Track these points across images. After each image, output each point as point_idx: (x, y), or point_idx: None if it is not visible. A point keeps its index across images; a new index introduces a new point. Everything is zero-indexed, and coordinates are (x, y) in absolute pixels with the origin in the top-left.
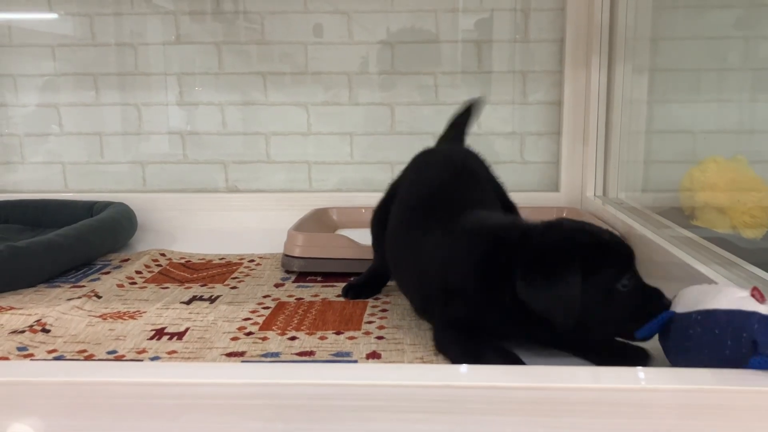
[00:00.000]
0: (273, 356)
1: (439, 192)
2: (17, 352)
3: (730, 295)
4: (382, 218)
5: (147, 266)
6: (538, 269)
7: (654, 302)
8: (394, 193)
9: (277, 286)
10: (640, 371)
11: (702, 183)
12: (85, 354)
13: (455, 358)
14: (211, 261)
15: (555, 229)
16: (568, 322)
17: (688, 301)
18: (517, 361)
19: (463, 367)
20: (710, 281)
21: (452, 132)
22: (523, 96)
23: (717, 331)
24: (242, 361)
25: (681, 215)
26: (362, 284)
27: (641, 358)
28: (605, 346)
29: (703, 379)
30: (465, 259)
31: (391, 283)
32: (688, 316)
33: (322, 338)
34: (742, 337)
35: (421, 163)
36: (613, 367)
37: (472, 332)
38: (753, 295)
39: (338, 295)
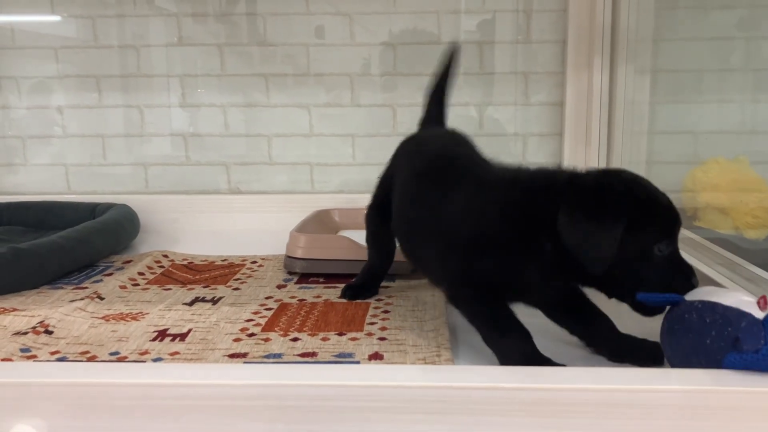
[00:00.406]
0: (275, 357)
1: (449, 154)
2: (20, 354)
3: (736, 296)
4: (378, 210)
5: (149, 268)
6: (585, 205)
7: (682, 278)
8: (387, 184)
9: (279, 287)
10: (642, 372)
11: (704, 184)
12: (88, 355)
13: (477, 319)
14: (213, 262)
15: (612, 175)
16: (600, 265)
17: (699, 293)
18: (534, 350)
19: (465, 368)
20: (713, 282)
21: (432, 110)
22: (525, 97)
23: (708, 320)
24: (245, 363)
25: (683, 216)
26: (360, 285)
27: (655, 355)
28: (620, 340)
29: (707, 380)
30: (503, 204)
31: (393, 285)
32: (691, 302)
33: (324, 339)
34: (726, 331)
35: (413, 144)
36: (622, 366)
37: (495, 292)
38: (758, 302)
39: (340, 297)
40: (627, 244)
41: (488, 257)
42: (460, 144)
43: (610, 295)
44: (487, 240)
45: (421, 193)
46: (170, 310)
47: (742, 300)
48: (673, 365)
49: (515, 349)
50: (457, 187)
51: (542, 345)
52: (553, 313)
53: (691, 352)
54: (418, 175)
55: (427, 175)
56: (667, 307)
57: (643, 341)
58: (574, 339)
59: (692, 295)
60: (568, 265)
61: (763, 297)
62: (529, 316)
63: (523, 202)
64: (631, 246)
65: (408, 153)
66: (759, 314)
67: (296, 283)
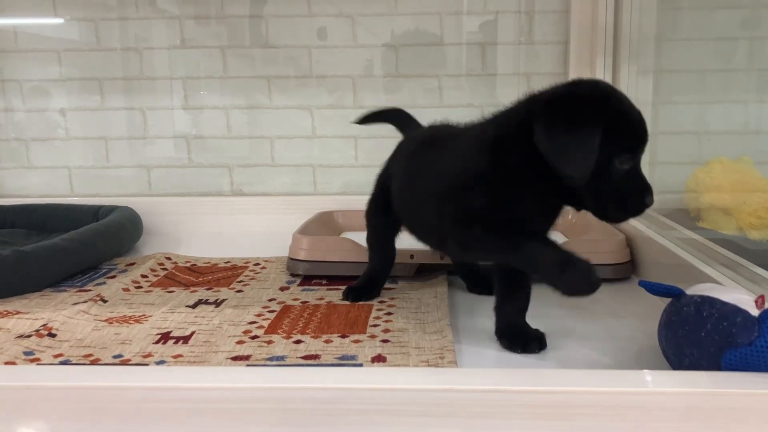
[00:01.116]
0: (278, 360)
1: (436, 131)
2: (24, 357)
3: (736, 293)
4: (379, 207)
5: (153, 270)
6: (562, 114)
7: (638, 195)
8: (384, 181)
9: (282, 289)
10: (644, 374)
11: (707, 184)
12: (91, 358)
13: (486, 243)
14: (216, 265)
15: (587, 85)
16: (580, 175)
17: (700, 289)
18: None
19: (467, 371)
20: (716, 283)
21: (408, 123)
22: None
23: (705, 314)
24: (248, 365)
25: (686, 217)
26: (362, 287)
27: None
28: (513, 324)
29: (707, 381)
30: (484, 139)
31: (396, 286)
32: (691, 296)
33: (327, 341)
34: (722, 325)
35: (405, 140)
36: (618, 370)
37: (493, 222)
38: (756, 301)
39: (342, 299)
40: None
41: (481, 193)
42: (448, 127)
43: (576, 208)
44: (475, 176)
45: (414, 163)
46: (173, 312)
47: (741, 298)
48: (667, 357)
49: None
50: (444, 147)
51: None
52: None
53: (685, 344)
54: (411, 153)
55: (417, 149)
56: (669, 300)
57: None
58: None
59: (693, 290)
60: (543, 180)
61: (762, 296)
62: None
63: (498, 128)
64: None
65: (400, 145)
66: (755, 312)
67: (299, 285)
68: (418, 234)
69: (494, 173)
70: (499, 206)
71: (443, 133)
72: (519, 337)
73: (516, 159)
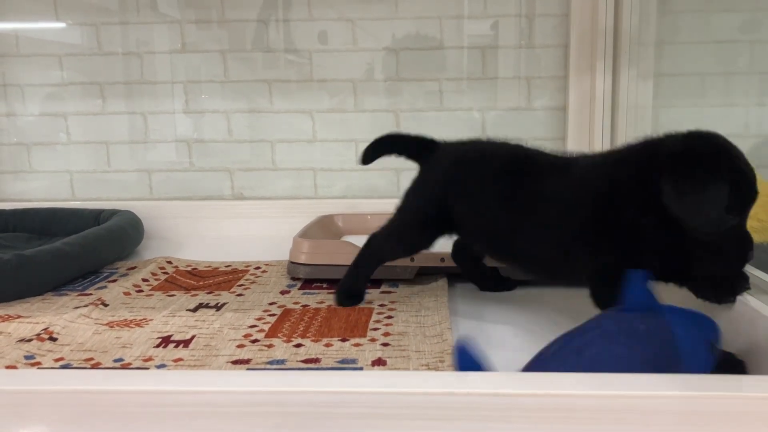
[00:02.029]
0: (279, 363)
1: (518, 151)
2: (24, 361)
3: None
4: (425, 226)
5: (153, 274)
6: (689, 171)
7: (740, 250)
8: (439, 199)
9: (282, 293)
10: (641, 378)
11: None
12: (92, 362)
13: None
14: (217, 268)
15: (709, 138)
16: (713, 228)
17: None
18: None
19: (469, 374)
20: None
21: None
22: (528, 101)
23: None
24: (248, 369)
25: None
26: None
27: (731, 364)
28: None
29: (709, 385)
30: (620, 184)
31: (396, 290)
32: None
33: (327, 345)
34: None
35: (463, 155)
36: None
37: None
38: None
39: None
40: None
41: (620, 243)
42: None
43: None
44: (615, 222)
45: (516, 190)
46: (174, 316)
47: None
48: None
49: None
50: (558, 177)
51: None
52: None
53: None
54: (501, 177)
55: (514, 172)
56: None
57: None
58: None
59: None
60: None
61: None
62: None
63: (615, 172)
64: None
65: (466, 163)
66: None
67: (300, 288)
68: (511, 260)
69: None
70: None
71: (536, 155)
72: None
73: (635, 210)
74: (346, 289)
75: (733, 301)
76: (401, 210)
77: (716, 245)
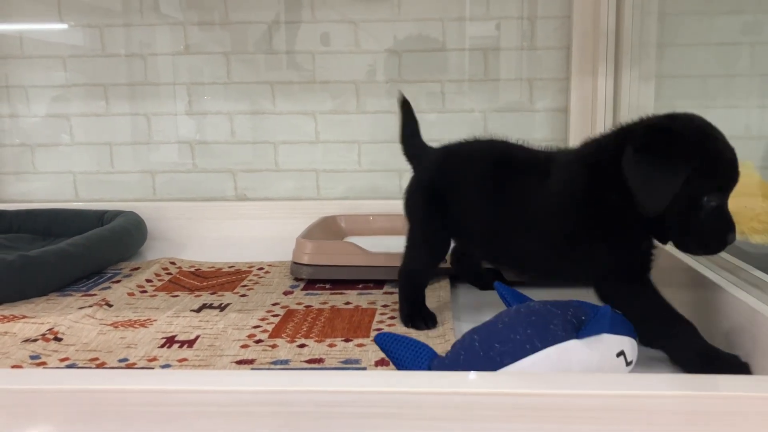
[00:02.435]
0: (282, 364)
1: (506, 148)
2: (30, 361)
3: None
4: (438, 224)
5: (157, 274)
6: (656, 146)
7: (720, 232)
8: (436, 198)
9: (286, 293)
10: (644, 378)
11: None
12: (97, 362)
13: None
14: (220, 269)
15: (684, 120)
16: (652, 209)
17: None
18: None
19: (472, 374)
20: (717, 287)
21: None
22: (530, 103)
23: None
24: (252, 369)
25: None
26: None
27: (736, 366)
28: (697, 351)
29: (708, 385)
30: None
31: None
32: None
33: (331, 345)
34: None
35: (454, 156)
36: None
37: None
38: None
39: (347, 303)
40: (681, 191)
41: (625, 238)
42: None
43: (660, 240)
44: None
45: (504, 189)
46: (178, 316)
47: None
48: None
49: (689, 346)
50: (547, 174)
51: None
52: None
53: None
54: (489, 175)
55: (501, 172)
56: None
57: (727, 355)
58: None
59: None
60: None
61: None
62: None
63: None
64: (684, 193)
65: (456, 162)
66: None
67: (303, 289)
68: (502, 257)
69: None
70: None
71: (527, 156)
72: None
73: (609, 187)
74: (409, 314)
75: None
76: (410, 225)
77: (696, 226)
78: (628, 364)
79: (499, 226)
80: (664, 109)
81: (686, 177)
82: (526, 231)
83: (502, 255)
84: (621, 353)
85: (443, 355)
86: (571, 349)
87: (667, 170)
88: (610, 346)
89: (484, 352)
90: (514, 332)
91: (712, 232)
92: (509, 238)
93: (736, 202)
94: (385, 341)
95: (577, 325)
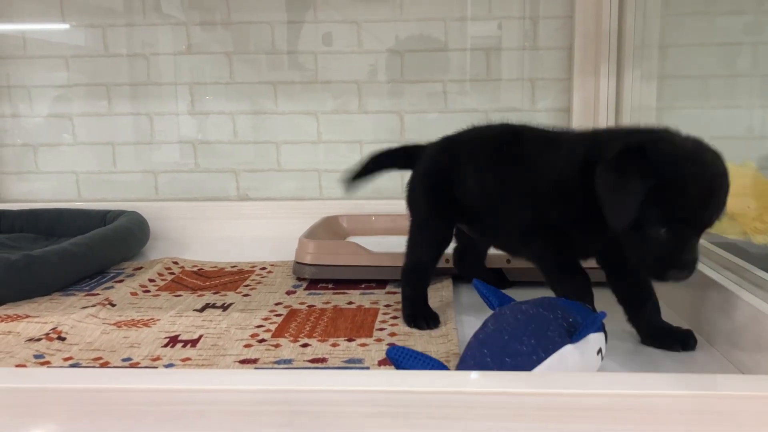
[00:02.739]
0: (286, 363)
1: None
2: (34, 360)
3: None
4: (441, 209)
5: (160, 274)
6: (617, 163)
7: (665, 265)
8: (443, 179)
9: (288, 293)
10: (650, 377)
11: None
12: (101, 361)
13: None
14: (223, 269)
15: (666, 139)
16: (614, 225)
17: None
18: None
19: (474, 374)
20: (720, 287)
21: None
22: (532, 103)
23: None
24: (255, 368)
25: None
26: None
27: (686, 342)
28: (652, 323)
29: (714, 384)
30: (565, 159)
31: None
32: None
33: (334, 345)
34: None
35: (460, 142)
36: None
37: (568, 251)
38: None
39: (349, 303)
40: (640, 214)
41: (554, 208)
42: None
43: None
44: (555, 191)
45: (500, 163)
46: (181, 316)
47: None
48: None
49: (573, 286)
50: (534, 150)
51: None
52: (609, 273)
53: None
54: (499, 150)
55: (501, 148)
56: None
57: (677, 329)
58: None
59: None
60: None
61: None
62: None
63: (579, 157)
64: (641, 216)
65: (458, 142)
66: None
67: (305, 289)
68: (494, 235)
69: (571, 197)
70: (568, 224)
71: (533, 135)
72: (672, 337)
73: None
74: (411, 314)
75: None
76: (412, 218)
77: (641, 253)
78: (603, 358)
79: (496, 202)
80: (665, 110)
81: (643, 198)
82: (514, 209)
83: (498, 236)
84: (599, 350)
85: (448, 358)
86: (567, 354)
87: (623, 189)
88: (593, 346)
89: (497, 368)
90: (520, 343)
91: (658, 261)
92: (503, 217)
93: (738, 203)
94: (396, 355)
95: (567, 327)
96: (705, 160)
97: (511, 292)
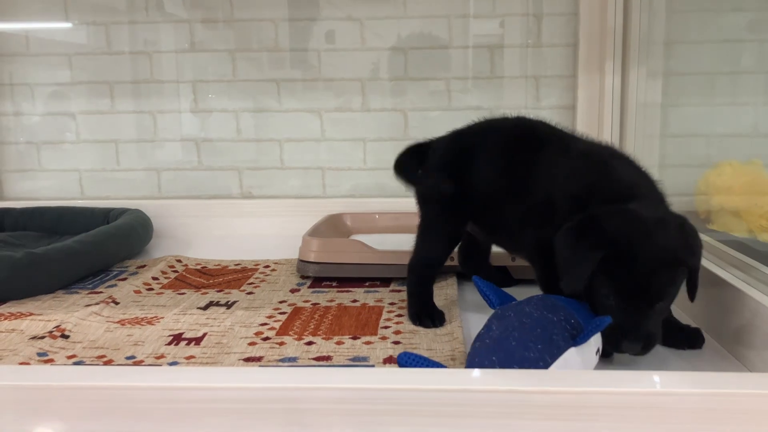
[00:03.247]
0: (290, 361)
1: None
2: (38, 358)
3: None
4: (453, 210)
5: (163, 272)
6: (575, 231)
7: (611, 335)
8: (457, 176)
9: (292, 291)
10: (659, 375)
11: (717, 187)
12: (105, 359)
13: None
14: (226, 267)
15: (625, 213)
16: (566, 288)
17: None
18: None
19: (478, 372)
20: (727, 284)
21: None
22: (536, 100)
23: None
24: (260, 366)
25: (697, 219)
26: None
27: (694, 340)
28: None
29: (723, 382)
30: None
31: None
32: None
33: (338, 343)
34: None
35: (475, 132)
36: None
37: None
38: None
39: (354, 301)
40: (593, 278)
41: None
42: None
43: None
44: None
45: (515, 160)
46: (185, 314)
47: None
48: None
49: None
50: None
51: None
52: None
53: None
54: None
55: (516, 144)
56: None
57: (685, 327)
58: None
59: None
60: None
61: None
62: None
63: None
64: (594, 280)
65: (470, 133)
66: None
67: (309, 287)
68: (499, 232)
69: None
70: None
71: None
72: (679, 335)
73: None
74: (416, 312)
75: (610, 354)
76: (422, 212)
77: (594, 308)
78: (600, 356)
79: (503, 195)
80: (672, 107)
81: (592, 267)
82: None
83: (503, 232)
84: (598, 350)
85: (453, 356)
86: (570, 357)
87: (575, 255)
88: (592, 347)
89: None
90: (527, 350)
91: (609, 334)
92: (510, 212)
93: (744, 200)
94: (407, 361)
95: (570, 329)
96: (655, 237)
97: (515, 290)
